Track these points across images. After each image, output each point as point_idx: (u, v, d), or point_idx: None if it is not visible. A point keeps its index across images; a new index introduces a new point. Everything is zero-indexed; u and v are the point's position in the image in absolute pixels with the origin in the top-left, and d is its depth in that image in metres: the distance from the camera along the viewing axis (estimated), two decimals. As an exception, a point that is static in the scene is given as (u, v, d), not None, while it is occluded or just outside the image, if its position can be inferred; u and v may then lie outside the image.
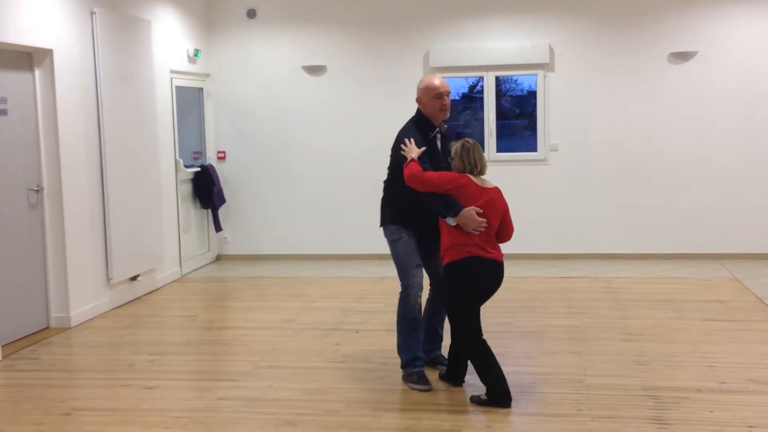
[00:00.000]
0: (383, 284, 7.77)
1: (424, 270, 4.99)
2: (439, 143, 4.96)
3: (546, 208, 8.98)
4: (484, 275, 4.59)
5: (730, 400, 4.52)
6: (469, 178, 4.59)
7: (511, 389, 4.70)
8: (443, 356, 5.14)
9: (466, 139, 4.69)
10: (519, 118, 9.62)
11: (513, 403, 4.52)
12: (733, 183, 8.69)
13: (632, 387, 4.75)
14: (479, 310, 4.64)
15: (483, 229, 4.53)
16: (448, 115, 4.97)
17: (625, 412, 4.37)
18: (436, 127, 4.93)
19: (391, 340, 5.56)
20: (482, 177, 4.66)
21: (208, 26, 9.34)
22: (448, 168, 4.76)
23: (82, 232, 6.72)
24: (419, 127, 4.92)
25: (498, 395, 4.51)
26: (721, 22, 8.58)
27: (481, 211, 4.53)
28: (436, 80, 4.94)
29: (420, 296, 4.93)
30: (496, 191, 4.66)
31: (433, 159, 4.85)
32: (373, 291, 6.95)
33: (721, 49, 8.59)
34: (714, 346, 5.55)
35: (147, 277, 7.72)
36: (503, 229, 4.71)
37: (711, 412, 4.35)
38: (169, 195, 8.30)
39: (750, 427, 4.14)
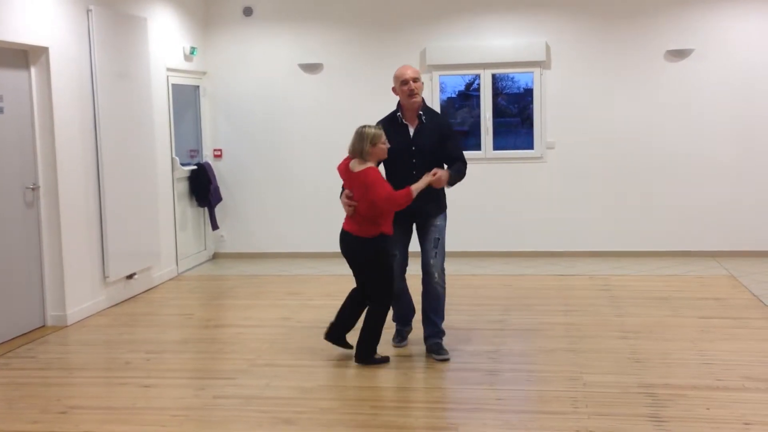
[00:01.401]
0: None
1: (405, 258, 5.47)
2: (411, 130, 5.28)
3: (542, 206, 8.99)
4: (341, 245, 5.31)
5: (727, 397, 4.53)
6: (344, 166, 5.15)
7: (508, 387, 4.78)
8: (438, 343, 5.37)
9: (364, 124, 5.10)
10: (516, 116, 9.62)
11: (511, 402, 4.56)
12: (729, 180, 8.70)
13: (629, 384, 4.76)
14: (356, 276, 5.33)
15: (352, 209, 5.12)
16: (418, 99, 5.24)
17: (622, 410, 4.37)
18: (398, 114, 5.28)
19: (388, 338, 5.61)
20: (362, 160, 5.06)
21: (204, 24, 9.33)
22: (414, 153, 5.22)
23: (78, 230, 6.71)
24: (390, 116, 5.35)
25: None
26: (718, 20, 8.59)
27: (351, 194, 5.11)
28: (403, 69, 5.26)
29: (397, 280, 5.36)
30: (360, 173, 5.03)
31: (393, 147, 5.14)
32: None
33: (717, 46, 8.60)
34: (710, 344, 5.55)
35: (143, 276, 7.71)
36: (370, 202, 5.05)
37: (707, 409, 4.36)
38: (166, 193, 8.29)
39: (746, 424, 4.14)
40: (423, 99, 5.37)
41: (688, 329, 5.94)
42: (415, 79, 5.20)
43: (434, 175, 5.08)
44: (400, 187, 5.05)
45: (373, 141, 5.03)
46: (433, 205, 5.33)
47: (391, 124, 5.29)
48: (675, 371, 4.99)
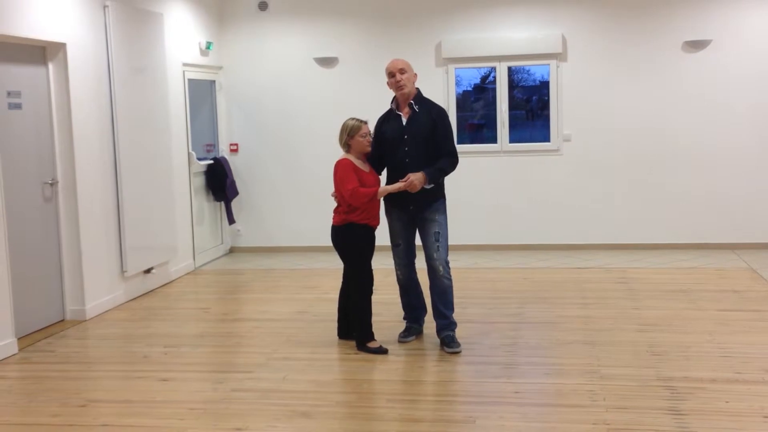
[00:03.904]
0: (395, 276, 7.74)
1: (411, 247, 5.59)
2: (404, 119, 5.39)
3: (559, 199, 8.95)
4: None
5: (746, 390, 4.50)
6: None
7: (525, 380, 4.78)
8: (450, 336, 5.44)
9: (350, 117, 5.39)
10: (532, 108, 9.57)
11: (528, 395, 4.55)
12: (747, 172, 8.62)
13: (647, 377, 4.73)
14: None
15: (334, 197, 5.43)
16: (405, 90, 5.37)
17: (640, 403, 4.35)
18: (390, 106, 5.48)
19: (395, 331, 5.65)
20: (345, 152, 5.37)
21: (220, 19, 9.34)
22: (406, 142, 5.34)
23: (96, 225, 6.75)
24: (388, 109, 5.52)
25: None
26: (736, 10, 8.50)
27: None
28: (391, 63, 5.43)
29: (399, 270, 5.62)
30: (335, 164, 5.35)
31: (387, 137, 5.42)
32: (385, 282, 6.93)
33: (735, 37, 8.52)
34: (729, 337, 5.51)
35: (161, 270, 7.75)
36: (339, 193, 5.35)
37: (726, 402, 4.33)
38: (182, 188, 8.32)
39: (766, 417, 4.11)
40: (418, 89, 5.48)
41: (706, 322, 5.90)
42: (402, 71, 5.35)
43: (406, 180, 5.22)
44: (396, 176, 5.32)
45: (351, 133, 5.31)
46: (428, 191, 5.35)
47: (387, 116, 5.53)
48: (694, 364, 4.96)
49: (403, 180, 5.23)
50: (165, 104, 7.83)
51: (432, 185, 5.32)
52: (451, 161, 5.39)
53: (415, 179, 5.19)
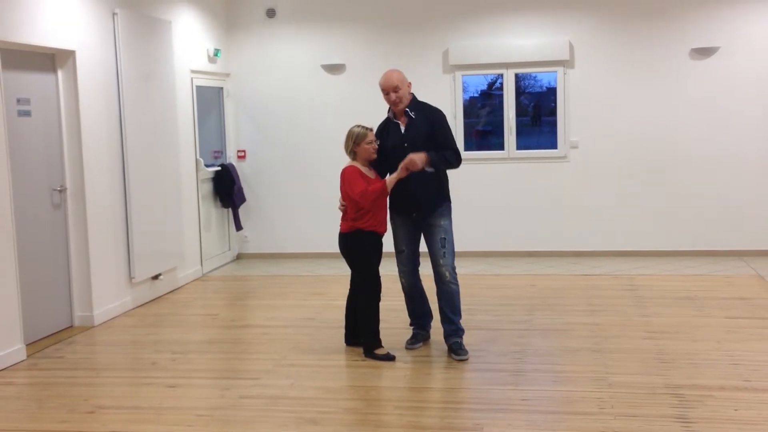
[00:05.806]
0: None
1: (415, 254, 5.58)
2: (402, 128, 5.39)
3: (566, 206, 8.95)
4: None
5: (755, 398, 4.48)
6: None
7: (533, 387, 4.77)
8: (457, 342, 5.43)
9: (355, 124, 5.37)
10: (539, 115, 9.57)
11: (536, 402, 4.54)
12: (755, 179, 8.61)
13: (655, 385, 4.72)
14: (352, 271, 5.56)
15: (343, 207, 5.41)
16: (400, 107, 5.37)
17: (649, 411, 4.34)
18: (387, 116, 5.49)
19: (402, 339, 5.65)
20: (351, 159, 5.37)
21: (227, 26, 9.38)
22: (407, 150, 5.25)
23: (104, 231, 6.78)
24: (386, 117, 5.53)
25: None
26: (744, 17, 8.49)
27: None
28: (383, 79, 5.38)
29: (403, 277, 5.62)
30: (341, 172, 5.35)
31: (387, 146, 5.38)
32: (392, 289, 6.93)
33: (743, 44, 8.50)
34: (738, 344, 5.50)
35: (168, 276, 7.77)
36: (350, 199, 5.33)
37: (735, 410, 4.31)
38: (190, 194, 8.34)
39: (775, 425, 4.10)
40: (413, 95, 5.47)
41: (714, 329, 5.88)
42: (396, 89, 5.31)
43: (406, 160, 5.19)
44: (400, 182, 5.25)
45: (357, 140, 5.31)
46: (431, 197, 5.37)
47: (386, 125, 5.52)
48: (702, 372, 4.94)
49: (404, 161, 5.18)
50: (173, 111, 7.86)
51: (432, 169, 5.29)
52: (455, 156, 5.40)
53: (416, 157, 5.17)
